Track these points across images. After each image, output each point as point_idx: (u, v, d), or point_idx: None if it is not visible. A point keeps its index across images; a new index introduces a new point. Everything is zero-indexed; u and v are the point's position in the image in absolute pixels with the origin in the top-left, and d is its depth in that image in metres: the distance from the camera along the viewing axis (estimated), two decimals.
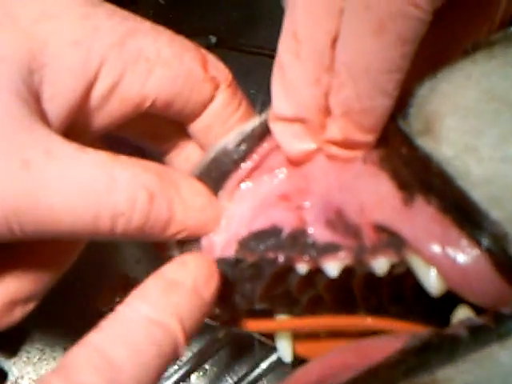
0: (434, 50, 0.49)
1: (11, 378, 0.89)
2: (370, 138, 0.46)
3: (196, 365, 0.78)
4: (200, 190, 0.51)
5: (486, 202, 0.41)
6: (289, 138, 0.49)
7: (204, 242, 0.52)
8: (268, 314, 0.54)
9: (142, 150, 0.62)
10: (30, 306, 0.54)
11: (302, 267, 0.48)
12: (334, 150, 0.48)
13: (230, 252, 0.51)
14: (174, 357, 0.42)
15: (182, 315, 0.43)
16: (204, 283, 0.46)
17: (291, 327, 0.53)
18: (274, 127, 0.49)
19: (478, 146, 0.42)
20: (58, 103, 0.46)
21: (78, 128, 0.50)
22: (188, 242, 0.53)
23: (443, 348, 0.41)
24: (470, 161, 0.42)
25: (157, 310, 0.43)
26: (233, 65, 0.58)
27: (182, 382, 0.82)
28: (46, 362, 0.90)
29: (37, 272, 0.52)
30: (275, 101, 0.48)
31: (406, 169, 0.44)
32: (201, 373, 0.91)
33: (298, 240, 0.49)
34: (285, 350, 0.54)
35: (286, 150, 0.49)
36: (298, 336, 0.54)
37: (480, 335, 0.41)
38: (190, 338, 0.44)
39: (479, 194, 0.41)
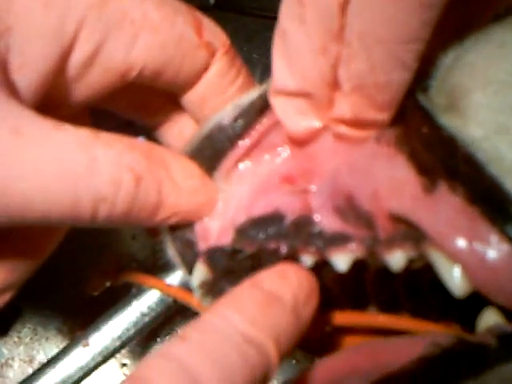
0: (460, 16, 0.43)
1: (1, 360, 0.85)
2: (384, 116, 0.40)
3: None
4: (192, 170, 0.46)
5: None
6: (291, 115, 0.43)
7: (198, 227, 0.47)
8: None
9: (132, 125, 0.57)
10: (7, 297, 0.49)
11: (308, 259, 0.43)
12: (343, 129, 0.42)
13: (227, 240, 0.46)
14: (263, 382, 0.36)
15: (279, 335, 0.38)
16: (304, 301, 0.41)
17: None
18: (275, 102, 0.43)
19: (511, 126, 0.36)
20: (28, 73, 0.41)
21: (54, 101, 0.44)
22: (181, 228, 0.47)
23: (468, 359, 0.36)
24: (503, 144, 0.36)
25: (253, 325, 0.37)
26: (232, 28, 0.52)
27: None
28: (38, 343, 0.86)
29: (12, 261, 0.47)
30: (276, 72, 0.42)
31: (427, 151, 0.39)
32: None
33: (302, 228, 0.44)
34: None
35: (287, 127, 0.44)
36: None
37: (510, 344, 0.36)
38: (281, 362, 0.37)
39: None
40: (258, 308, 0.38)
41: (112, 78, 0.45)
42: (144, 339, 0.86)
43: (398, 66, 0.37)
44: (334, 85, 0.41)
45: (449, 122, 0.39)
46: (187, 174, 0.45)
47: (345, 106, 0.41)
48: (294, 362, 0.78)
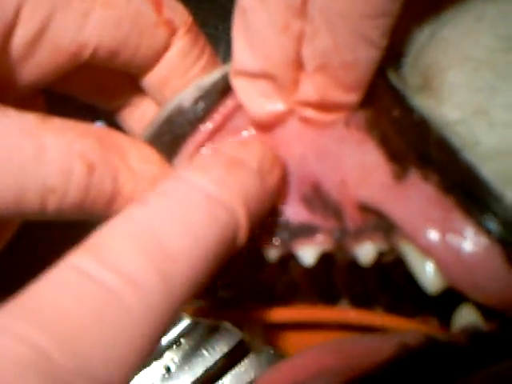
0: None
1: None
2: (352, 97, 0.37)
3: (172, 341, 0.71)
4: (150, 156, 0.43)
5: (500, 179, 0.33)
6: (254, 97, 0.40)
7: None
8: (236, 302, 0.46)
9: (92, 109, 0.53)
10: None
11: (272, 253, 0.40)
12: (309, 112, 0.39)
13: None
14: (233, 247, 0.35)
15: (247, 197, 0.35)
16: (269, 168, 0.38)
17: (262, 318, 0.45)
18: (236, 84, 0.40)
19: (490, 107, 0.33)
20: None
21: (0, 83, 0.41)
22: None
23: (437, 361, 0.33)
24: (480, 127, 0.33)
25: (220, 186, 0.34)
26: (209, 8, 0.49)
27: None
28: None
29: None
30: (237, 53, 0.39)
31: (399, 135, 0.36)
32: (174, 346, 0.85)
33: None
34: (255, 340, 0.46)
35: (250, 111, 0.40)
36: (270, 327, 0.46)
37: (486, 347, 0.33)
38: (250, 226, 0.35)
39: (491, 170, 0.33)
40: (223, 170, 0.36)
41: (63, 58, 0.42)
42: None
43: (364, 43, 0.34)
44: (298, 65, 0.38)
45: (422, 103, 0.36)
46: (145, 160, 0.42)
47: (310, 88, 0.37)
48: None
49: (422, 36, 0.38)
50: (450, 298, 0.38)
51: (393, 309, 0.42)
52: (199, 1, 0.48)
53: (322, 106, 0.38)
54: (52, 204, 0.37)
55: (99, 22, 0.42)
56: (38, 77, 0.42)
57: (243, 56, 0.38)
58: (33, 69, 0.42)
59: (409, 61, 0.39)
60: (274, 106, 0.39)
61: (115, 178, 0.40)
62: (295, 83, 0.38)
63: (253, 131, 0.44)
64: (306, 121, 0.39)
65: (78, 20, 0.41)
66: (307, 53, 0.36)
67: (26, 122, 0.37)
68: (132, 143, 0.42)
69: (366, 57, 0.35)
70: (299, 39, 0.36)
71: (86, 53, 0.42)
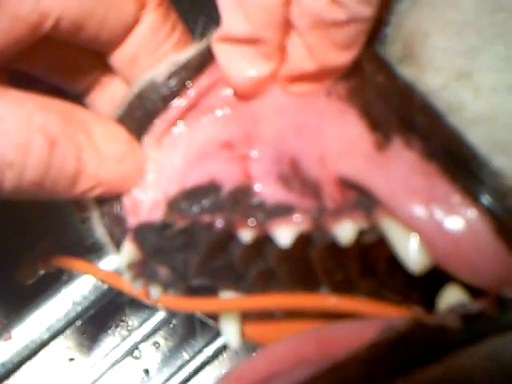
0: None
1: None
2: (345, 57, 0.35)
3: (145, 335, 0.68)
4: (117, 134, 0.40)
5: (486, 145, 0.30)
6: (236, 62, 0.38)
7: (127, 201, 0.41)
8: (210, 290, 0.43)
9: (61, 92, 0.51)
10: None
11: (247, 234, 0.38)
12: (294, 75, 0.37)
13: (159, 215, 0.41)
14: None
15: None
16: None
17: (237, 307, 0.42)
18: (219, 49, 0.38)
19: (474, 70, 0.31)
20: None
21: None
22: (107, 201, 0.42)
23: (427, 343, 0.30)
24: (465, 91, 0.31)
25: None
26: None
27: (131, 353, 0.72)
28: None
29: None
30: (225, 16, 0.37)
31: (382, 102, 0.34)
32: (153, 348, 0.82)
33: (241, 199, 0.38)
34: (231, 333, 0.44)
35: (231, 76, 0.38)
36: (247, 317, 0.44)
37: (476, 326, 0.31)
38: None
39: (476, 136, 0.31)
40: None
41: (22, 28, 0.39)
42: (93, 332, 0.81)
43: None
44: (286, 30, 0.36)
45: (405, 71, 0.34)
46: (111, 138, 0.40)
47: (300, 48, 0.36)
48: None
49: (404, 4, 0.36)
50: (435, 284, 0.36)
51: (375, 297, 0.39)
52: None
53: (311, 71, 0.36)
54: (9, 180, 0.36)
55: None
56: None
57: (231, 19, 0.36)
58: None
59: (391, 30, 0.36)
60: (257, 70, 0.37)
61: (78, 156, 0.38)
62: (282, 50, 0.36)
63: (228, 110, 0.41)
64: (289, 90, 0.37)
65: None
66: (296, 12, 0.34)
67: None
68: (97, 120, 0.40)
69: (360, 13, 0.33)
70: (287, 1, 0.34)
71: (48, 24, 0.40)
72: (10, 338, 0.52)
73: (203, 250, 0.39)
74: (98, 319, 0.82)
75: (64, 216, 0.84)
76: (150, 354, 0.82)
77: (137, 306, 0.82)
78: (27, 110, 0.36)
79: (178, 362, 0.76)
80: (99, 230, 0.44)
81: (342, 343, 0.34)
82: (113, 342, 0.77)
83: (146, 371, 0.81)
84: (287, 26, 0.36)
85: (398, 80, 0.34)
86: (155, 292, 0.43)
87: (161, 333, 0.82)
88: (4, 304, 0.68)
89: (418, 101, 0.32)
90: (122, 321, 0.82)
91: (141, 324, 0.71)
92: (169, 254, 0.41)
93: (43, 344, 0.53)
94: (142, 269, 0.42)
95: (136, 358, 0.82)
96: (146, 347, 0.82)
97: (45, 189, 0.37)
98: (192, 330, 0.82)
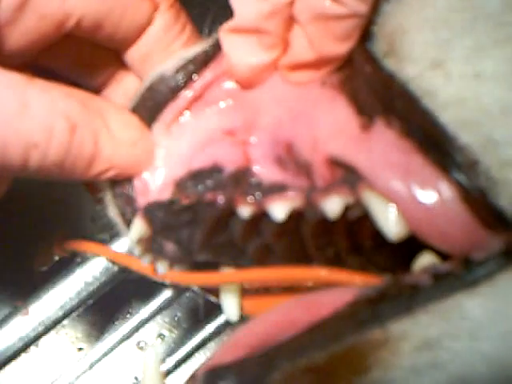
0: None
1: None
2: (342, 48, 0.39)
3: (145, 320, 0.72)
4: (131, 121, 0.44)
5: (455, 125, 0.34)
6: (240, 50, 0.42)
7: (137, 182, 0.46)
8: (212, 266, 0.47)
9: (79, 87, 0.55)
10: None
11: (245, 210, 0.42)
12: (295, 64, 0.41)
13: (167, 195, 0.45)
14: None
15: None
16: None
17: (236, 279, 0.46)
18: (225, 39, 0.43)
19: (446, 60, 0.35)
20: None
21: None
22: (121, 184, 0.46)
23: (400, 298, 0.34)
24: (438, 78, 0.35)
25: None
26: None
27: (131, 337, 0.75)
28: None
29: None
30: (237, 9, 0.41)
31: (368, 89, 0.38)
32: (159, 339, 0.85)
33: (241, 180, 0.42)
34: (231, 308, 0.47)
35: (234, 64, 0.43)
36: (245, 293, 0.48)
37: (445, 283, 0.35)
38: None
39: (447, 116, 0.35)
40: None
41: (48, 27, 0.44)
42: (101, 323, 0.85)
43: None
44: (290, 24, 0.40)
45: (388, 63, 0.38)
46: (125, 124, 0.44)
47: (303, 42, 0.40)
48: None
49: (388, 5, 0.40)
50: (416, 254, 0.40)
51: (361, 269, 0.43)
52: None
53: (314, 62, 0.40)
54: (34, 160, 0.39)
55: None
56: (24, 45, 0.44)
57: (242, 11, 0.41)
58: (19, 37, 0.43)
59: (377, 29, 0.41)
60: (258, 59, 0.42)
61: (95, 140, 0.41)
62: (285, 42, 0.41)
63: (230, 102, 0.46)
64: (289, 78, 0.42)
65: None
66: (300, 6, 0.39)
67: (11, 78, 0.39)
68: (113, 108, 0.44)
69: (355, 10, 0.37)
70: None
71: (71, 22, 0.44)
72: (28, 313, 0.56)
73: (206, 226, 0.43)
74: (106, 311, 0.85)
75: (75, 209, 0.88)
76: (156, 345, 0.85)
77: (143, 298, 0.85)
78: (51, 96, 0.40)
79: (182, 353, 0.78)
80: (112, 209, 0.48)
81: (328, 305, 0.38)
82: (119, 333, 0.80)
83: None
84: (290, 20, 0.40)
85: (382, 70, 0.38)
86: (162, 267, 0.47)
87: (166, 325, 0.86)
88: (23, 284, 0.72)
89: (398, 88, 0.36)
90: (129, 313, 0.86)
91: (146, 316, 0.74)
92: (175, 229, 0.44)
93: (57, 321, 0.57)
94: (151, 244, 0.46)
95: (142, 348, 0.85)
96: (152, 339, 0.86)
97: (65, 169, 0.41)
98: (195, 322, 0.85)
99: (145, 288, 0.76)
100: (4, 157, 0.38)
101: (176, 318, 0.86)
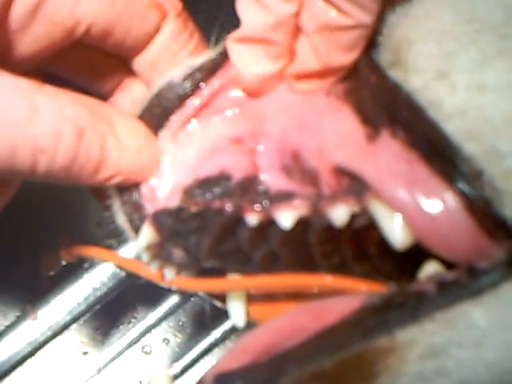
0: None
1: None
2: (347, 58, 0.40)
3: (151, 326, 0.72)
4: (137, 128, 0.45)
5: (460, 135, 0.35)
6: (247, 60, 0.43)
7: (144, 189, 0.46)
8: (219, 273, 0.48)
9: (87, 93, 0.56)
10: None
11: (253, 218, 0.42)
12: (301, 73, 0.42)
13: (175, 202, 0.45)
14: None
15: None
16: None
17: (243, 286, 0.47)
18: (233, 48, 0.43)
19: (450, 72, 0.36)
20: None
21: None
22: (127, 190, 0.47)
23: (407, 306, 0.35)
24: (443, 89, 0.36)
25: None
26: None
27: (136, 342, 0.76)
28: None
29: None
30: (244, 19, 0.42)
31: (373, 99, 0.39)
32: (163, 344, 0.86)
33: (248, 188, 0.43)
34: (238, 313, 0.48)
35: (241, 73, 0.44)
36: (252, 299, 0.48)
37: (450, 292, 0.36)
38: None
39: (452, 127, 0.35)
40: None
41: (58, 34, 0.44)
42: (106, 328, 0.85)
43: (356, 9, 0.37)
44: (296, 34, 0.41)
45: (394, 74, 0.39)
46: (132, 131, 0.44)
47: (308, 52, 0.41)
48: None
49: (395, 16, 0.41)
50: (420, 262, 0.41)
51: (366, 277, 0.44)
52: None
53: (319, 72, 0.41)
54: (42, 164, 0.40)
55: (93, 0, 0.44)
56: (34, 52, 0.45)
57: (249, 21, 0.42)
58: (29, 43, 0.44)
59: (383, 39, 0.41)
60: (264, 68, 0.42)
61: (102, 146, 0.42)
62: (291, 52, 0.42)
63: (236, 110, 0.46)
64: (294, 87, 0.43)
65: None
66: (306, 16, 0.40)
67: (21, 84, 0.39)
68: (120, 114, 0.44)
69: (362, 19, 0.38)
70: (299, 7, 0.40)
71: (81, 29, 0.45)
72: (36, 318, 0.56)
73: (214, 233, 0.44)
74: (111, 315, 0.86)
75: (81, 215, 0.89)
76: (160, 350, 0.86)
77: (148, 303, 0.86)
78: (60, 102, 0.40)
79: (188, 359, 0.79)
80: (120, 216, 0.48)
81: (335, 312, 0.38)
82: (124, 338, 0.81)
83: None
84: (297, 30, 0.41)
85: (387, 81, 0.38)
86: (169, 274, 0.48)
87: (170, 330, 0.86)
88: (32, 288, 0.73)
89: (404, 98, 0.37)
90: (134, 317, 0.86)
91: (151, 321, 0.75)
92: (183, 236, 0.45)
93: (65, 326, 0.57)
94: (159, 250, 0.46)
95: (146, 353, 0.86)
96: (157, 343, 0.86)
97: (72, 174, 0.42)
98: (200, 327, 0.86)
99: (149, 293, 0.77)
100: (13, 161, 0.39)
101: (180, 323, 0.86)
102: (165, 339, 0.86)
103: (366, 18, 0.38)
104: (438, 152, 0.35)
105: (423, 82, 0.36)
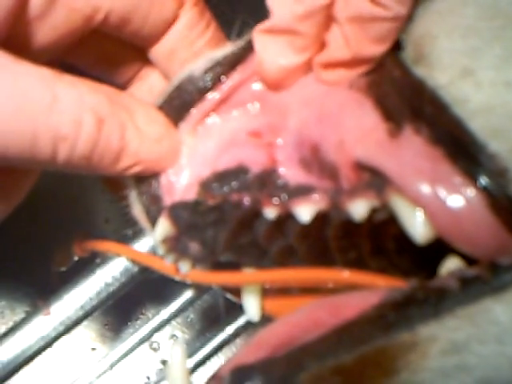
0: None
1: None
2: (378, 49, 0.40)
3: (160, 324, 0.72)
4: (157, 118, 0.45)
5: (485, 132, 0.35)
6: (271, 51, 0.43)
7: (163, 181, 0.46)
8: (235, 267, 0.48)
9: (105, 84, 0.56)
10: None
11: (271, 212, 0.42)
12: (330, 62, 0.42)
13: (192, 195, 0.45)
14: None
15: None
16: None
17: (259, 280, 0.47)
18: (258, 39, 0.43)
19: (476, 69, 0.36)
20: None
21: (18, 43, 0.43)
22: (147, 182, 0.46)
23: (428, 302, 0.35)
24: (468, 86, 0.36)
25: None
26: None
27: (147, 339, 0.76)
28: (4, 326, 0.84)
29: None
30: (273, 9, 0.41)
31: (396, 94, 0.38)
32: (171, 340, 0.86)
33: (266, 181, 0.43)
34: (252, 308, 0.48)
35: (264, 64, 0.43)
36: (267, 293, 0.48)
37: (472, 288, 0.35)
38: None
39: (477, 124, 0.35)
40: None
41: (77, 21, 0.44)
42: (115, 323, 0.85)
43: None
44: (328, 25, 0.41)
45: (417, 70, 0.39)
46: (151, 120, 0.44)
47: (340, 42, 0.40)
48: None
49: (416, 11, 0.41)
50: (439, 258, 0.40)
51: (383, 272, 0.44)
52: None
53: (349, 62, 0.41)
54: (63, 153, 0.40)
55: None
56: (53, 40, 0.45)
57: (279, 11, 0.41)
58: (48, 31, 0.44)
59: (405, 35, 0.41)
60: (288, 60, 0.42)
61: (122, 135, 0.42)
62: (320, 43, 0.41)
63: (257, 104, 0.46)
64: (321, 79, 0.42)
65: None
66: (339, 6, 0.39)
67: (41, 73, 0.39)
68: (140, 104, 0.44)
69: (394, 12, 0.38)
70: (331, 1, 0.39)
71: (99, 17, 0.45)
72: (49, 313, 0.56)
73: (231, 226, 0.44)
74: (120, 312, 0.86)
75: (89, 211, 0.89)
76: (168, 346, 0.86)
77: (156, 300, 0.86)
78: (80, 91, 0.40)
79: (195, 354, 0.79)
80: (136, 207, 0.48)
81: (353, 307, 0.38)
82: (133, 334, 0.81)
83: (164, 362, 0.86)
84: (329, 20, 0.41)
85: (411, 76, 0.38)
86: (184, 267, 0.48)
87: (178, 326, 0.87)
88: (44, 284, 0.73)
89: (428, 94, 0.36)
90: (142, 314, 0.86)
91: (159, 317, 0.75)
92: (200, 230, 0.45)
93: (77, 321, 0.57)
94: (175, 244, 0.46)
95: (155, 349, 0.86)
96: (165, 339, 0.86)
97: (92, 163, 0.42)
98: (208, 323, 0.86)
99: (158, 289, 0.77)
100: (34, 149, 0.39)
101: (189, 320, 0.87)
102: (173, 335, 0.86)
103: (401, 10, 0.37)
104: (462, 149, 0.35)
105: (448, 79, 0.36)
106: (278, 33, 0.41)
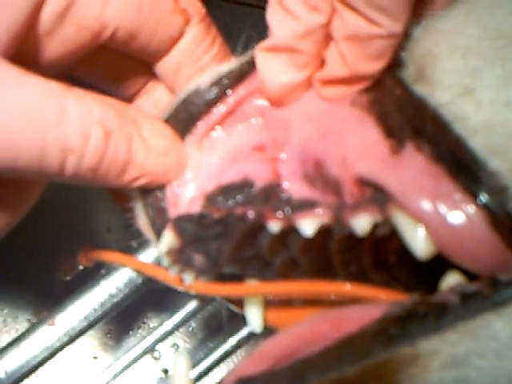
0: None
1: None
2: (375, 67, 0.41)
3: (164, 335, 0.73)
4: (163, 131, 0.46)
5: (485, 150, 0.36)
6: (273, 68, 0.44)
7: (169, 193, 0.47)
8: (238, 279, 0.48)
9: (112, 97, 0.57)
10: None
11: (275, 225, 0.43)
12: (328, 79, 0.43)
13: (196, 208, 0.46)
14: None
15: None
16: None
17: (262, 292, 0.47)
18: (260, 57, 0.44)
19: (476, 88, 0.37)
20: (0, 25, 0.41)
21: (27, 58, 0.44)
22: (150, 193, 0.47)
23: (429, 316, 0.35)
24: (468, 105, 0.37)
25: None
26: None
27: (150, 351, 0.76)
28: (7, 335, 0.85)
29: None
30: (273, 27, 0.43)
31: (398, 111, 0.39)
32: (173, 349, 0.86)
33: (270, 195, 0.44)
34: (255, 319, 0.48)
35: (266, 81, 0.44)
36: (269, 304, 0.49)
37: (473, 303, 0.36)
38: None
39: (477, 142, 0.36)
40: None
41: (85, 37, 0.45)
42: (116, 332, 0.86)
43: (386, 18, 0.38)
44: (326, 42, 0.42)
45: (418, 89, 0.39)
46: (158, 133, 0.45)
47: (337, 59, 0.41)
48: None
49: (418, 31, 0.42)
50: (439, 273, 0.41)
51: (384, 285, 0.44)
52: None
53: (347, 79, 0.41)
54: (71, 164, 0.40)
55: (121, 4, 0.45)
56: (61, 55, 0.45)
57: (279, 30, 0.42)
58: (58, 45, 0.45)
59: (406, 54, 0.42)
60: (289, 77, 0.43)
61: (128, 147, 0.43)
62: (320, 60, 0.43)
63: (261, 119, 0.47)
64: (321, 96, 0.43)
65: (102, 0, 0.44)
66: (336, 24, 0.40)
67: (50, 86, 0.40)
68: (146, 117, 0.45)
69: (388, 30, 0.39)
70: (330, 16, 0.40)
71: (107, 33, 0.45)
72: (54, 324, 0.57)
73: (235, 239, 0.45)
74: (122, 321, 0.86)
75: (92, 220, 0.89)
76: (169, 355, 0.86)
77: (157, 309, 0.87)
78: (87, 104, 0.41)
79: (197, 365, 0.79)
80: (142, 219, 0.49)
81: (355, 320, 0.39)
82: (134, 343, 0.81)
83: (165, 371, 0.86)
84: (327, 38, 0.42)
85: (412, 94, 0.39)
86: (188, 278, 0.48)
87: (180, 335, 0.87)
88: (49, 294, 0.73)
89: (429, 112, 0.37)
90: (144, 323, 0.87)
91: (163, 328, 0.75)
92: (205, 242, 0.46)
93: (81, 331, 0.58)
94: (180, 255, 0.47)
95: (156, 358, 0.86)
96: (166, 348, 0.86)
97: (99, 175, 0.42)
98: (210, 333, 0.86)
99: (160, 298, 0.77)
100: (42, 161, 0.39)
101: (190, 329, 0.87)
102: (174, 344, 0.87)
103: (395, 28, 0.38)
104: (462, 166, 0.35)
105: (449, 98, 0.37)
106: (279, 50, 0.42)
